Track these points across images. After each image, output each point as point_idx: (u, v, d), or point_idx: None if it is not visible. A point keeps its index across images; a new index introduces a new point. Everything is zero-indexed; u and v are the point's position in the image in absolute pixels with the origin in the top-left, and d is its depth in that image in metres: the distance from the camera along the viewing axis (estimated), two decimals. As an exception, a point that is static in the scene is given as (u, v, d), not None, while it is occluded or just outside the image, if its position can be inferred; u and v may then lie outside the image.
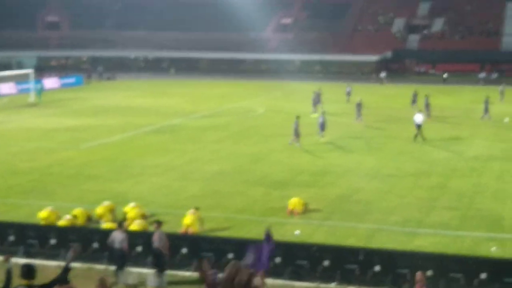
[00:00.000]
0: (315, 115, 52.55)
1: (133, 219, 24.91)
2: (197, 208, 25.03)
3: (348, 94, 67.10)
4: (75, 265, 21.70)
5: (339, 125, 50.16)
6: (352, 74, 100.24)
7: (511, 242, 23.64)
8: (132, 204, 26.06)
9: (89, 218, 25.54)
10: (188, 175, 33.86)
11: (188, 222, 24.42)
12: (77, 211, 25.60)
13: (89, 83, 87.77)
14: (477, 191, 30.75)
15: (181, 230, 24.30)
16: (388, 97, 71.65)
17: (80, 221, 25.14)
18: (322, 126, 44.01)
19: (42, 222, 24.89)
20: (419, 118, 43.59)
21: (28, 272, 11.30)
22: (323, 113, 45.82)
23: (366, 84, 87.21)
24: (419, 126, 43.26)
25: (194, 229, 24.31)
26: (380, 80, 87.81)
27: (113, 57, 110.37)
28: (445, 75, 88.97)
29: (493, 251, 22.48)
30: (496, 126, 50.20)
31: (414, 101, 58.48)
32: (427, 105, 53.15)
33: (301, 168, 35.70)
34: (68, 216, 24.90)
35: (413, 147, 41.60)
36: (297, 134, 41.66)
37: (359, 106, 52.01)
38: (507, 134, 46.34)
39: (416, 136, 43.13)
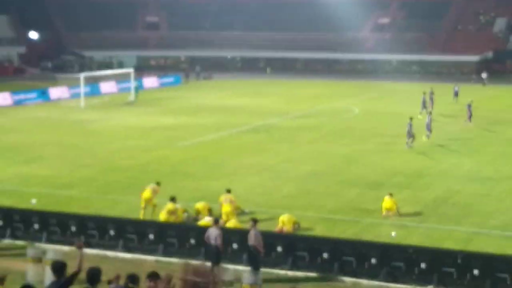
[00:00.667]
0: (422, 116, 52.01)
1: (227, 214, 25.46)
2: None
3: (456, 94, 66.06)
4: (173, 260, 22.29)
5: (437, 126, 49.24)
6: (451, 75, 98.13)
7: None
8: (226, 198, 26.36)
9: (210, 212, 26.04)
10: (282, 175, 33.97)
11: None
12: (200, 205, 26.42)
13: (186, 82, 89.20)
14: None
15: (276, 228, 24.51)
16: (490, 98, 69.88)
17: (202, 215, 25.95)
18: (428, 127, 43.46)
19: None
20: None
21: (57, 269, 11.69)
22: (430, 114, 45.28)
23: (466, 84, 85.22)
24: None
25: (288, 229, 24.47)
26: (481, 81, 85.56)
27: (210, 57, 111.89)
28: (483, 75, 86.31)
29: None
30: None
31: None
32: None
33: (396, 169, 35.27)
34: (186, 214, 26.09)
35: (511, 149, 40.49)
36: (410, 135, 41.09)
37: (469, 107, 50.75)
38: None
39: None
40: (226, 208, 25.78)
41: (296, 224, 24.88)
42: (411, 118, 41.91)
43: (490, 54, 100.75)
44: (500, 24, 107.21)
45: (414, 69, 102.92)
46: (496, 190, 30.87)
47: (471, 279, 19.97)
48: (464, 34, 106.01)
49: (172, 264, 21.92)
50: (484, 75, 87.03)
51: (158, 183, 27.74)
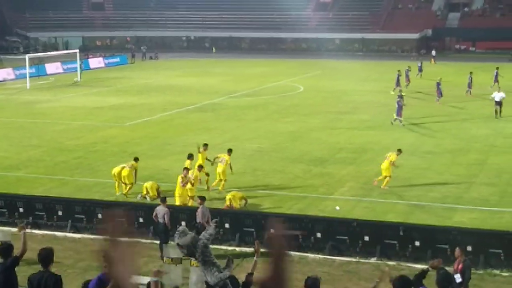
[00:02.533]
0: (395, 93, 53.00)
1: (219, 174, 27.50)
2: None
3: (420, 69, 68.42)
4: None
5: (378, 103, 50.28)
6: (392, 52, 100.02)
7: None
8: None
9: (158, 192, 26.34)
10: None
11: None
12: (148, 184, 26.72)
13: (133, 62, 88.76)
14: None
15: (224, 205, 25.05)
16: (428, 74, 71.15)
17: (151, 194, 26.33)
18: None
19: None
20: (498, 96, 43.65)
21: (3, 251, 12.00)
22: (400, 92, 46.00)
23: (406, 62, 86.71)
24: (499, 104, 43.23)
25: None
26: (430, 58, 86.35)
27: (156, 37, 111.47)
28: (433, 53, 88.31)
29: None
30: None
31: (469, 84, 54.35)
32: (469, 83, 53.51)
33: (341, 145, 36.02)
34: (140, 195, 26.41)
35: (452, 124, 41.61)
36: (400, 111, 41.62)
37: (438, 85, 50.83)
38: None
39: (498, 113, 43.17)
40: (219, 168, 27.47)
41: (243, 200, 25.40)
42: (401, 95, 43.09)
43: (429, 32, 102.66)
44: (438, 2, 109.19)
45: (356, 47, 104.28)
46: (436, 163, 31.84)
47: (412, 250, 20.69)
48: (404, 12, 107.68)
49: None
50: (433, 52, 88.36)
51: (136, 159, 28.24)
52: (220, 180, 27.58)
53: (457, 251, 16.20)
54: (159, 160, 32.76)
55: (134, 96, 56.02)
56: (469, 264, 16.42)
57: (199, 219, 21.10)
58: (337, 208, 24.78)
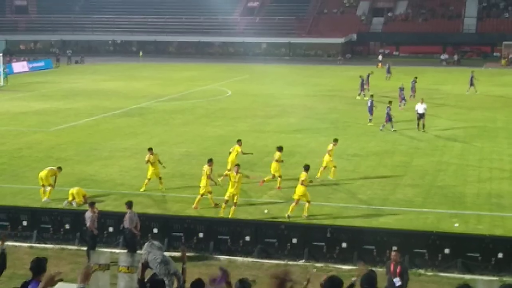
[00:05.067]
0: (361, 98, 54.16)
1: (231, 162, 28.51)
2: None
3: (388, 72, 69.87)
4: (48, 246, 22.20)
5: (305, 107, 50.84)
6: (319, 57, 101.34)
7: (472, 218, 24.41)
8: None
9: (85, 198, 26.00)
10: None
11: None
12: (74, 190, 26.32)
13: (57, 66, 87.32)
14: (439, 169, 31.56)
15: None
16: (353, 79, 72.24)
17: (77, 200, 26.04)
18: (371, 110, 43.95)
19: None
20: (420, 107, 41.62)
21: None
22: (371, 97, 45.85)
23: (332, 65, 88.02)
24: (422, 116, 41.41)
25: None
26: (377, 63, 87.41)
27: (82, 41, 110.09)
28: (380, 58, 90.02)
29: (456, 226, 23.27)
30: (457, 106, 51.23)
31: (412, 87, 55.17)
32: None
33: (268, 149, 36.11)
34: (66, 201, 26.01)
35: (376, 128, 42.30)
36: (389, 118, 41.37)
37: (402, 90, 51.21)
38: (468, 114, 47.34)
39: (420, 126, 41.27)
40: (231, 157, 29.10)
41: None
42: (390, 102, 42.73)
43: (354, 36, 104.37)
44: (363, 7, 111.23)
45: (283, 51, 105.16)
46: (362, 166, 32.36)
47: (340, 252, 20.95)
48: (329, 17, 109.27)
49: (47, 249, 21.82)
50: (380, 57, 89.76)
51: (59, 168, 27.82)
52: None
53: (394, 254, 16.18)
54: (85, 166, 32.31)
55: (59, 101, 55.10)
56: (407, 266, 16.71)
57: (126, 224, 20.88)
58: (266, 211, 24.91)
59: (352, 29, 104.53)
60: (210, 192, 25.79)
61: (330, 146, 30.13)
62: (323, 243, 21.14)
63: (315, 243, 21.17)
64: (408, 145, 36.96)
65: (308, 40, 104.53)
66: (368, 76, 59.45)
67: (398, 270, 15.82)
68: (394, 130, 40.80)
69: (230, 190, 24.78)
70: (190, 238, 21.92)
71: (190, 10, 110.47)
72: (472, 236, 21.64)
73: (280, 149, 29.10)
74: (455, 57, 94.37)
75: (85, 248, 21.02)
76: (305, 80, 68.29)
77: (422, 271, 19.86)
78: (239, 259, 21.19)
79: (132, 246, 20.85)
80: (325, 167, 29.79)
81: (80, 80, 71.04)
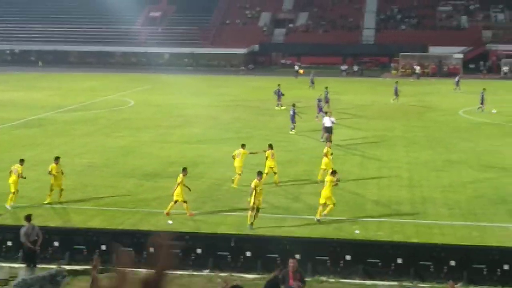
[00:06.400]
0: (280, 108, 54.51)
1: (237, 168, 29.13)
2: None
3: (312, 82, 70.82)
4: None
5: (208, 117, 50.95)
6: (222, 67, 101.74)
7: (372, 225, 25.00)
8: None
9: None
10: (58, 169, 33.45)
11: None
12: None
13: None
14: (340, 177, 32.11)
15: None
16: (256, 89, 73.05)
17: None
18: (293, 119, 44.35)
19: None
20: (328, 121, 40.17)
21: None
22: (293, 106, 45.57)
23: (234, 76, 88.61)
24: (327, 129, 39.88)
25: None
26: (295, 73, 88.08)
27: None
28: (296, 67, 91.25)
29: (357, 233, 23.79)
30: (358, 115, 52.45)
31: (325, 99, 54.14)
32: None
33: (172, 159, 36.09)
34: None
35: (281, 137, 42.81)
36: (294, 120, 43.53)
37: (324, 100, 52.63)
38: (368, 123, 48.52)
39: (326, 139, 38.46)
40: (238, 162, 30.09)
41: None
42: (293, 105, 44.86)
43: (256, 47, 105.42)
44: (265, 18, 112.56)
45: (186, 61, 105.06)
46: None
47: (244, 261, 21.06)
48: (232, 28, 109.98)
49: None
50: (296, 67, 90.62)
51: (21, 160, 28.09)
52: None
53: (292, 262, 16.49)
54: (-18, 178, 31.27)
55: (-46, 111, 53.24)
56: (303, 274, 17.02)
57: (22, 239, 20.26)
58: (170, 222, 24.81)
59: (255, 40, 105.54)
60: (185, 202, 25.72)
61: (326, 149, 31.33)
62: (227, 253, 21.21)
63: (219, 253, 21.22)
64: (311, 154, 37.48)
65: (211, 50, 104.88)
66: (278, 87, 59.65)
67: (298, 278, 16.20)
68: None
69: (259, 198, 24.71)
70: (93, 251, 21.57)
71: (91, 19, 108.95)
72: (372, 242, 22.18)
73: (270, 147, 30.99)
74: (355, 67, 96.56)
75: (-18, 264, 20.39)
76: (209, 90, 68.44)
77: (324, 278, 20.19)
78: (143, 271, 20.93)
79: (30, 260, 20.31)
80: (324, 170, 30.02)
81: (-24, 91, 68.87)
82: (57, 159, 28.09)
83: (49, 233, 21.92)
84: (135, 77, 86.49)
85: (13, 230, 22.09)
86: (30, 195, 28.75)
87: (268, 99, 59.50)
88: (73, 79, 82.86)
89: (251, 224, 24.28)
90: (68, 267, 21.11)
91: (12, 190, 27.16)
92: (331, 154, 31.69)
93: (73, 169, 33.43)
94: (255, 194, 24.53)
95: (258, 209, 24.65)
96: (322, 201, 25.22)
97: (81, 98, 62.83)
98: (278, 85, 58.13)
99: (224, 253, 21.24)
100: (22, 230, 20.25)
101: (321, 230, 24.12)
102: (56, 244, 21.76)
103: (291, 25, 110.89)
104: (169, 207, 25.83)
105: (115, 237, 22.01)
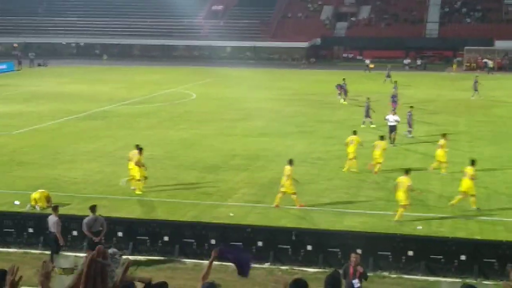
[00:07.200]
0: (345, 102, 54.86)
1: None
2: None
3: (388, 76, 70.11)
4: (11, 250, 22.02)
5: (270, 110, 50.99)
6: (283, 61, 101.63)
7: (435, 221, 24.69)
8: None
9: (48, 200, 25.78)
10: (120, 161, 33.88)
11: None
12: (37, 194, 25.98)
13: (19, 69, 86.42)
14: (401, 172, 31.74)
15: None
16: (318, 82, 72.73)
17: (41, 204, 25.72)
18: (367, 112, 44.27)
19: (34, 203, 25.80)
20: (392, 118, 38.66)
21: None
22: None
23: (296, 69, 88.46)
24: (393, 128, 38.59)
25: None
26: (365, 67, 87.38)
27: (45, 44, 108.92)
28: (367, 62, 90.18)
29: (419, 229, 23.53)
30: (421, 110, 51.74)
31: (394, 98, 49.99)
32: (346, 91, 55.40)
33: (234, 152, 36.28)
34: (29, 205, 25.65)
35: (341, 131, 42.52)
36: (368, 114, 43.68)
37: (394, 97, 49.76)
38: (431, 118, 47.72)
39: (391, 139, 38.17)
40: (351, 148, 31.37)
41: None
42: (368, 98, 44.66)
43: (318, 41, 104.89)
44: (327, 11, 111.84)
45: (247, 55, 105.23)
46: (326, 169, 32.54)
47: (304, 254, 21.06)
48: (293, 21, 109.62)
49: (10, 254, 21.64)
50: (367, 61, 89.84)
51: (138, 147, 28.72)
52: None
53: (354, 256, 16.10)
54: (48, 169, 32.03)
55: (21, 104, 54.53)
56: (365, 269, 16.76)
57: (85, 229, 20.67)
58: (231, 214, 24.96)
59: (316, 34, 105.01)
60: (294, 193, 26.17)
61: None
62: (288, 246, 21.23)
63: (280, 246, 21.26)
64: (371, 148, 37.07)
65: (273, 44, 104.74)
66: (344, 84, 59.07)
67: (359, 272, 15.92)
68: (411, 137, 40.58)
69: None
70: (155, 242, 21.88)
71: (155, 13, 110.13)
72: (435, 238, 21.92)
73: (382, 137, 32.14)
74: (418, 61, 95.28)
75: (48, 252, 20.83)
76: (270, 84, 68.46)
77: (386, 273, 20.05)
78: (205, 262, 21.16)
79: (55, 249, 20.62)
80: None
81: (43, 83, 70.40)
82: (140, 149, 28.56)
83: (113, 223, 22.32)
84: (197, 70, 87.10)
85: (78, 220, 22.54)
86: (94, 186, 29.27)
87: (330, 93, 59.21)
88: (137, 72, 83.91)
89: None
90: (131, 257, 21.50)
91: (138, 177, 28.18)
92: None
93: (136, 161, 33.87)
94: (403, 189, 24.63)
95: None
96: (471, 191, 25.87)
97: (144, 91, 63.60)
98: (344, 79, 57.74)
99: (285, 246, 21.27)
100: (85, 221, 20.63)
101: (383, 225, 23.90)
102: (120, 234, 22.13)
103: (353, 19, 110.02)
104: (277, 198, 26.17)
105: (177, 228, 22.26)
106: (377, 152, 31.64)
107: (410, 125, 40.94)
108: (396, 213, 24.57)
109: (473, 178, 25.86)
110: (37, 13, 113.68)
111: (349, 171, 31.80)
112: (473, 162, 26.51)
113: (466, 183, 25.90)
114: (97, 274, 3.87)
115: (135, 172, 28.26)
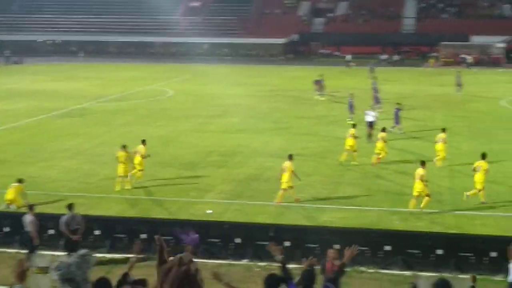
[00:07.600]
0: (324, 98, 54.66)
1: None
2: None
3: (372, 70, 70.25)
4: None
5: (247, 107, 50.96)
6: (261, 57, 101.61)
7: (412, 216, 24.79)
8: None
9: (23, 195, 25.51)
10: (98, 159, 33.85)
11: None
12: (10, 193, 25.57)
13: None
14: (381, 167, 31.94)
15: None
16: (295, 78, 72.82)
17: (17, 204, 25.39)
18: (351, 108, 44.40)
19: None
20: (370, 115, 39.15)
21: None
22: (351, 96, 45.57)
23: (274, 65, 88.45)
24: (371, 124, 38.77)
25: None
26: (344, 63, 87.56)
27: (20, 41, 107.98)
28: (348, 58, 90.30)
29: (396, 224, 23.62)
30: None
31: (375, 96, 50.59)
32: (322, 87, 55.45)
33: (211, 149, 36.21)
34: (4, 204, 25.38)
35: (318, 127, 42.67)
36: (352, 111, 43.77)
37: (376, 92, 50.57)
38: (408, 113, 47.91)
39: (369, 135, 38.05)
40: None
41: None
42: (351, 94, 45.10)
43: (296, 37, 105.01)
44: (304, 8, 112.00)
45: (225, 51, 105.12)
46: (304, 165, 32.45)
47: (283, 250, 20.98)
48: (271, 17, 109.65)
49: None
50: (348, 57, 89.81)
51: (143, 141, 29.82)
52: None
53: (332, 252, 15.98)
54: (26, 167, 31.76)
55: (-3, 101, 54.10)
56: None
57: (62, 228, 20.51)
58: (209, 211, 24.89)
59: (294, 30, 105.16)
60: (291, 187, 26.47)
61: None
62: (266, 242, 21.17)
63: (258, 242, 21.22)
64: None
65: (250, 40, 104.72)
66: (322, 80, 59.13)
67: (336, 267, 15.85)
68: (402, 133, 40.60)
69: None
70: (133, 240, 21.73)
71: (131, 9, 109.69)
72: (412, 233, 22.01)
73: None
74: (395, 57, 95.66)
75: (25, 251, 20.66)
76: (248, 80, 68.43)
77: (363, 268, 20.10)
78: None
79: (71, 248, 20.46)
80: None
81: (19, 81, 69.86)
82: (124, 147, 29.07)
83: (90, 221, 22.17)
84: (174, 67, 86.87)
85: (55, 219, 22.37)
86: (72, 184, 29.09)
87: (308, 89, 59.24)
88: (113, 69, 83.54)
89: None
90: (108, 255, 21.38)
91: (139, 168, 28.94)
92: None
93: (112, 158, 33.58)
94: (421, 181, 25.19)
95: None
96: (479, 186, 26.37)
97: (121, 88, 63.32)
98: (321, 75, 57.77)
99: (263, 242, 21.21)
100: (62, 219, 20.49)
101: (361, 221, 23.96)
102: (97, 232, 22.00)
103: (330, 15, 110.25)
104: (279, 196, 26.19)
105: (152, 226, 22.14)
106: (380, 144, 32.44)
107: (397, 122, 40.97)
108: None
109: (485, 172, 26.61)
110: (11, 10, 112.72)
111: (348, 163, 32.42)
112: (483, 156, 27.21)
113: (478, 177, 26.59)
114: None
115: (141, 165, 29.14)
